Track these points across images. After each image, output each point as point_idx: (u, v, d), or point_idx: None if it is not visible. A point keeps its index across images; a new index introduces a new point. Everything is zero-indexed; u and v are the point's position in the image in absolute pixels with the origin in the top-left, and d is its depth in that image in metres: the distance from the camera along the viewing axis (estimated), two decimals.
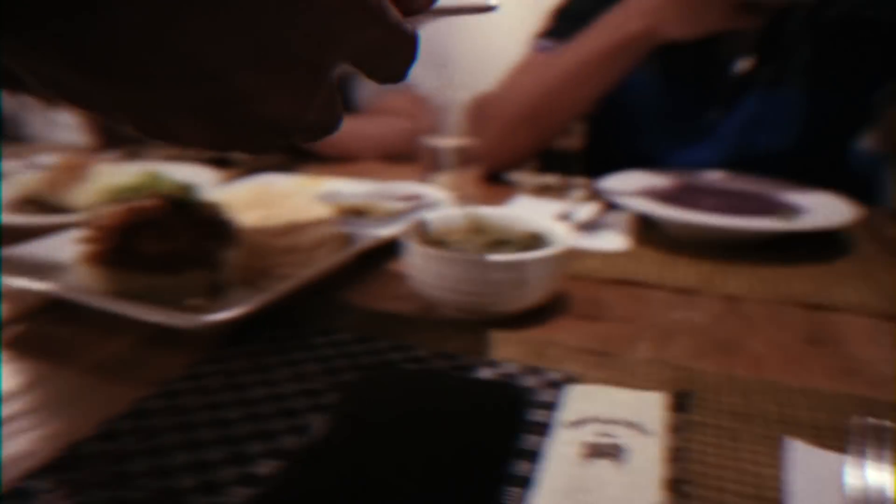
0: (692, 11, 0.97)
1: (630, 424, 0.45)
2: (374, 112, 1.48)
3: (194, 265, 0.65)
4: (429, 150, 0.97)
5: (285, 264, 0.71)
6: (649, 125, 1.24)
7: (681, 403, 0.46)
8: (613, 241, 0.86)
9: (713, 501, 0.39)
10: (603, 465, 0.40)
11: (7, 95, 1.57)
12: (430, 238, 0.67)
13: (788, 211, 0.91)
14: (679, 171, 1.10)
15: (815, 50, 1.13)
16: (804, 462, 0.42)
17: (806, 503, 0.39)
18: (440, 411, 0.46)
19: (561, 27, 1.21)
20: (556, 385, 0.49)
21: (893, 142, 1.07)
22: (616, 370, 0.53)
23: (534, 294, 0.61)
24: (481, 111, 1.20)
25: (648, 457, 0.41)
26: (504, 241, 0.68)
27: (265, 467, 0.40)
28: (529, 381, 0.50)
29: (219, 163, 1.13)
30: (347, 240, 0.76)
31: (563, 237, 0.66)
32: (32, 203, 0.92)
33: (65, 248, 0.72)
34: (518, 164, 1.22)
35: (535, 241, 0.68)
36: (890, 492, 0.38)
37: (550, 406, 0.47)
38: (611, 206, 0.96)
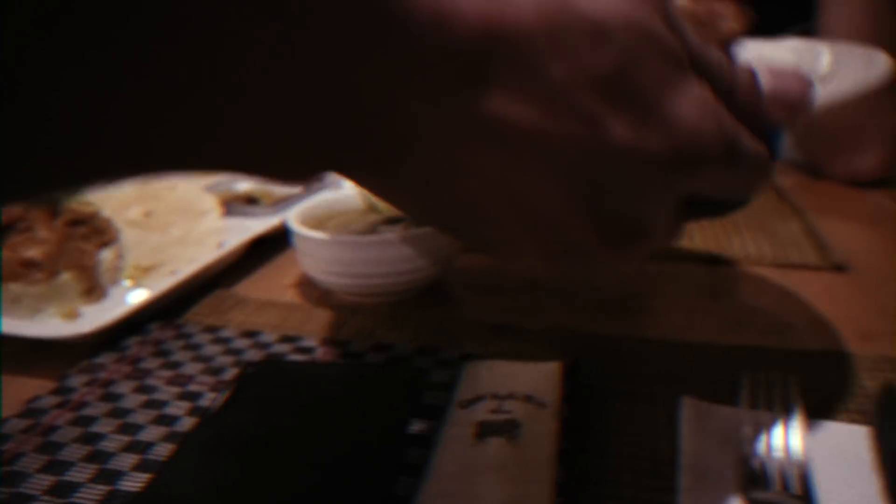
0: None
1: (526, 398, 0.43)
2: None
3: (68, 268, 0.60)
4: None
5: (172, 260, 0.67)
6: None
7: (575, 371, 0.45)
8: None
9: (608, 468, 0.38)
10: (496, 444, 0.39)
11: None
12: (322, 221, 0.64)
13: None
14: None
15: None
16: (698, 418, 0.42)
17: (701, 459, 0.38)
18: (327, 402, 0.43)
19: None
20: (452, 364, 0.48)
21: None
22: (516, 342, 0.52)
23: (428, 271, 0.59)
24: None
25: (543, 430, 0.40)
26: (398, 218, 0.66)
27: (136, 481, 0.37)
28: (424, 363, 0.48)
29: None
30: (237, 230, 0.73)
31: None
32: None
33: None
34: None
35: None
36: (780, 439, 0.38)
37: (446, 387, 0.45)
38: None
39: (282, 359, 0.49)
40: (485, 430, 0.40)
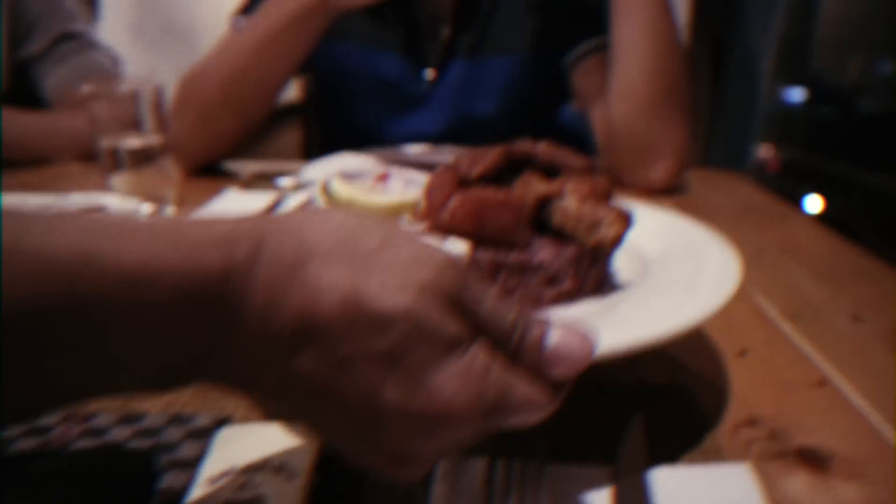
0: None
1: (277, 468, 0.41)
2: (67, 104, 1.31)
3: None
4: (107, 148, 0.86)
5: None
6: (365, 97, 1.22)
7: None
8: None
9: None
10: None
11: None
12: None
13: None
14: (388, 149, 1.09)
15: (508, 17, 1.17)
16: (451, 474, 0.41)
17: None
18: None
19: (256, 2, 1.14)
20: (205, 433, 0.44)
21: (581, 97, 1.14)
22: None
23: None
24: (178, 98, 1.09)
25: None
26: None
27: None
28: (173, 435, 0.44)
29: None
30: None
31: None
32: None
33: None
34: (220, 154, 1.13)
35: None
36: (524, 490, 0.38)
37: (193, 462, 0.42)
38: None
39: None
40: None
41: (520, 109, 1.21)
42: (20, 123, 1.23)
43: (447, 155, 1.06)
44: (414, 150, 1.08)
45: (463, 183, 0.55)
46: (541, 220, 0.54)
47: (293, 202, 0.93)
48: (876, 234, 1.49)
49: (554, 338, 0.32)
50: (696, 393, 0.52)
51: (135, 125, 0.88)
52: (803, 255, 0.80)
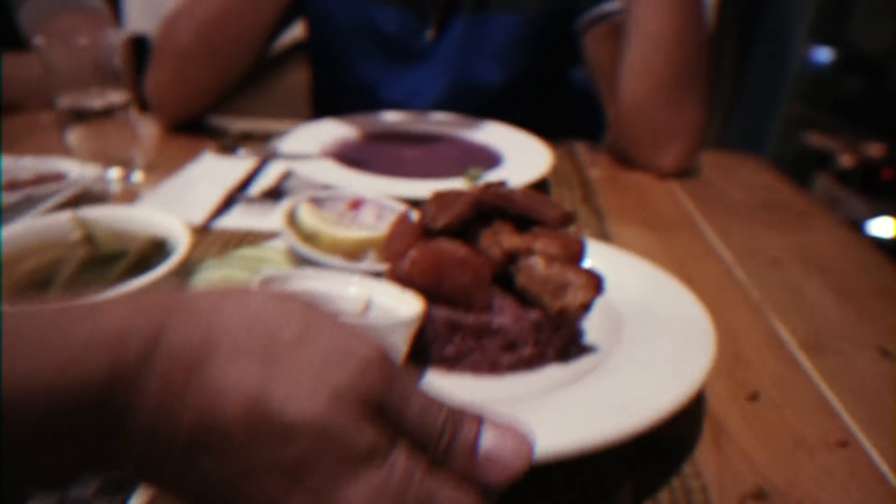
0: None
1: None
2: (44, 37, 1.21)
3: None
4: (63, 108, 0.77)
5: None
6: (361, 53, 1.12)
7: None
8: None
9: None
10: None
11: None
12: (13, 269, 0.52)
13: (486, 162, 0.85)
14: (375, 115, 1.00)
15: None
16: None
17: None
18: None
19: None
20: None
21: (592, 67, 1.04)
22: None
23: None
24: (155, 45, 1.00)
25: None
26: (113, 255, 0.55)
27: None
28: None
29: None
30: None
31: (184, 246, 0.53)
32: None
33: None
34: (201, 108, 1.04)
35: (152, 253, 0.55)
36: None
37: None
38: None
39: None
40: None
41: (525, 74, 1.12)
42: None
43: (437, 124, 0.98)
44: (403, 117, 1.00)
45: (427, 232, 0.50)
46: (506, 277, 0.49)
47: (274, 170, 0.86)
48: None
49: (487, 440, 0.29)
50: (697, 451, 0.46)
51: (100, 79, 0.79)
52: (825, 267, 0.72)
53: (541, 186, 0.85)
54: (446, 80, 1.11)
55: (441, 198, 0.52)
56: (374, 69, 1.13)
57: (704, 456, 0.45)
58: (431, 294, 0.47)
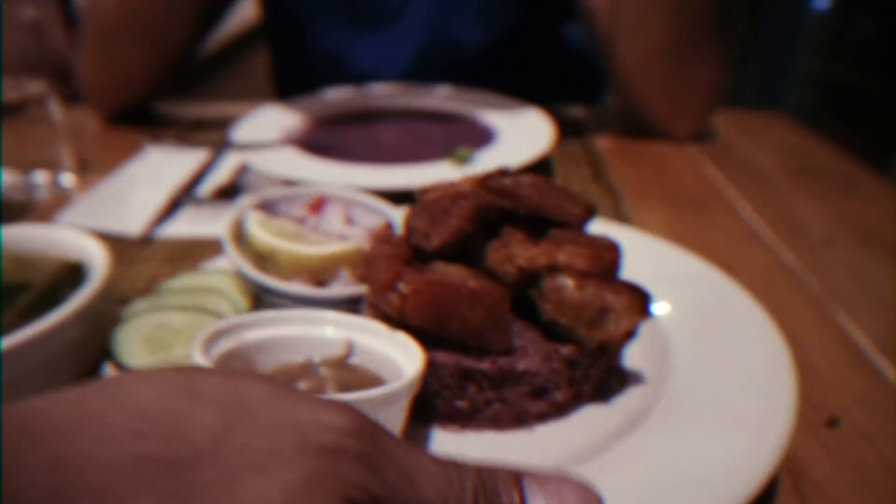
0: None
1: None
2: None
3: None
4: None
5: None
6: (324, 15, 0.99)
7: None
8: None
9: None
10: None
11: None
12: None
13: (476, 139, 0.73)
14: (342, 92, 0.87)
15: None
16: None
17: None
18: None
19: None
20: None
21: (588, 18, 0.90)
22: None
23: None
24: (82, 27, 0.86)
25: None
26: (14, 287, 0.43)
27: None
28: None
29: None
30: None
31: (102, 271, 0.41)
32: None
33: None
34: (136, 96, 0.89)
35: (63, 281, 0.43)
36: None
37: None
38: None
39: None
40: None
41: (511, 32, 0.99)
42: None
43: (415, 97, 0.86)
44: (374, 92, 0.87)
45: (418, 253, 0.38)
46: (525, 300, 0.38)
47: (228, 164, 0.73)
48: None
49: (538, 500, 0.22)
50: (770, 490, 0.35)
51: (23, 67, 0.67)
52: (887, 243, 0.61)
53: (543, 165, 0.73)
54: (420, 44, 0.98)
55: (430, 206, 0.39)
56: (338, 37, 1.00)
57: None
58: (432, 335, 0.35)
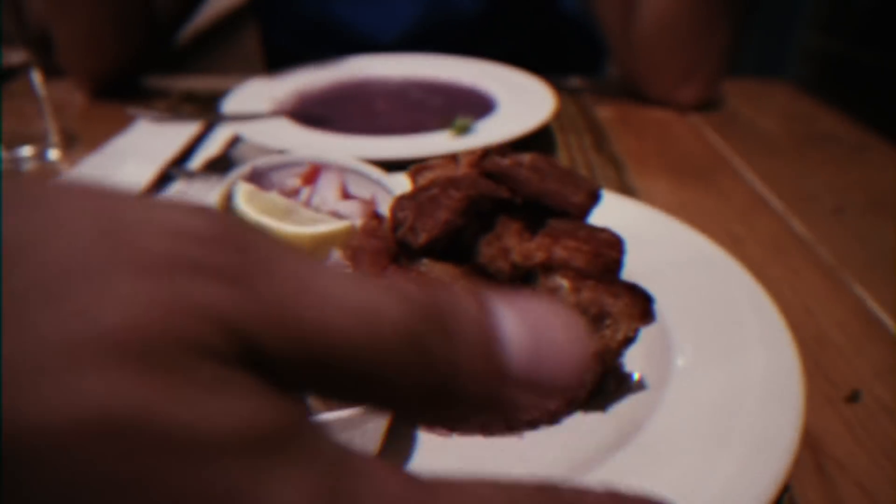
0: None
1: None
2: None
3: None
4: None
5: None
6: None
7: None
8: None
9: None
10: None
11: None
12: None
13: (476, 109, 0.71)
14: (336, 61, 0.84)
15: None
16: None
17: None
18: None
19: None
20: None
21: None
22: None
23: None
24: None
25: None
26: None
27: None
28: None
29: None
30: None
31: None
32: None
33: None
34: (114, 68, 0.84)
35: None
36: None
37: None
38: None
39: None
40: None
41: (509, 2, 0.96)
42: None
43: (412, 66, 0.83)
44: (370, 61, 0.84)
45: (404, 250, 0.35)
46: None
47: (219, 136, 0.71)
48: None
49: (509, 322, 0.15)
50: (795, 480, 0.34)
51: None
52: None
53: (544, 135, 0.71)
54: (415, 12, 0.95)
55: (417, 194, 0.36)
56: (331, 6, 0.97)
57: (804, 487, 0.33)
58: None
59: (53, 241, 0.12)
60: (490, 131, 0.64)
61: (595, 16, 0.87)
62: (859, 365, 0.41)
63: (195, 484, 0.11)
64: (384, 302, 0.14)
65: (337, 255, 0.41)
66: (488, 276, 0.35)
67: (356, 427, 0.29)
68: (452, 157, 0.40)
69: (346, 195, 0.45)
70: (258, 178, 0.45)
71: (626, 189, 0.61)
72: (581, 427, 0.35)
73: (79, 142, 0.72)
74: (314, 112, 0.70)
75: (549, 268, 0.34)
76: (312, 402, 0.31)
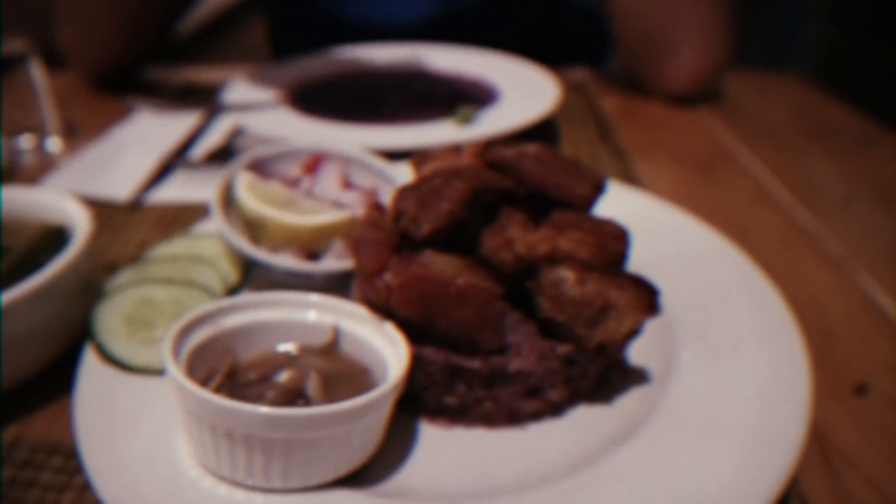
0: None
1: None
2: None
3: None
4: None
5: None
6: None
7: None
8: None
9: None
10: None
11: None
12: None
13: (480, 98, 0.70)
14: (342, 51, 0.84)
15: None
16: None
17: None
18: None
19: None
20: None
21: None
22: None
23: None
24: None
25: None
26: None
27: None
28: None
29: None
30: None
31: (84, 236, 0.39)
32: None
33: None
34: (114, 57, 0.84)
35: (44, 245, 0.41)
36: None
37: None
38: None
39: None
40: None
41: None
42: None
43: (418, 56, 0.82)
44: (376, 51, 0.83)
45: (406, 241, 0.35)
46: (522, 290, 0.35)
47: (221, 127, 0.70)
48: None
49: None
50: (802, 474, 0.33)
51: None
52: None
53: (549, 126, 0.70)
54: (422, 4, 0.94)
55: (421, 185, 0.35)
56: None
57: (812, 481, 0.33)
58: (420, 329, 0.33)
59: None
60: (494, 121, 0.63)
61: (601, 5, 0.86)
62: (867, 358, 0.41)
63: None
64: None
65: (339, 244, 0.40)
66: (492, 267, 0.34)
67: (367, 415, 0.29)
68: (456, 148, 0.40)
69: (347, 185, 0.45)
70: (259, 167, 0.44)
71: (631, 180, 0.60)
72: (585, 420, 0.35)
73: (79, 131, 0.71)
74: (319, 101, 0.70)
75: (553, 259, 0.33)
76: (313, 397, 0.31)
